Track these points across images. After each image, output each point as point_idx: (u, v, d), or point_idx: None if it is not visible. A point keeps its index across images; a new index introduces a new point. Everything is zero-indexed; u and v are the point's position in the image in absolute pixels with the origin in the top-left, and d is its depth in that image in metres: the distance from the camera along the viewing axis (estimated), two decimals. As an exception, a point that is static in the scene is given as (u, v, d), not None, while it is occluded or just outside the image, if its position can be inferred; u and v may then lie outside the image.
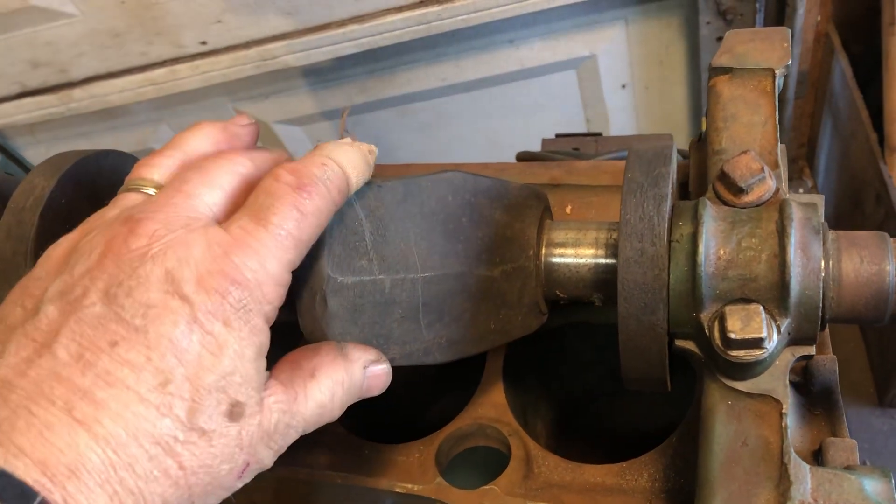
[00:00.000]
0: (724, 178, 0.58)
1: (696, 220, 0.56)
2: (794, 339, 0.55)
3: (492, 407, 0.77)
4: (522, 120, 2.06)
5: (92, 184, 0.65)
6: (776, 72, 0.66)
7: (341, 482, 0.75)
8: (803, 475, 0.52)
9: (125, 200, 0.53)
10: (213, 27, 1.80)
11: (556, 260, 0.65)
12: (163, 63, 1.87)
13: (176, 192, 0.50)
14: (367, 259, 0.57)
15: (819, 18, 1.85)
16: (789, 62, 0.66)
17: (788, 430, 0.53)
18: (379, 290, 0.58)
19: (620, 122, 2.08)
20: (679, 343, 0.58)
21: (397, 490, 0.73)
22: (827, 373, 0.70)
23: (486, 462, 0.79)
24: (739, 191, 0.57)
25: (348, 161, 0.54)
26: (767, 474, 0.52)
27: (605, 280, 0.64)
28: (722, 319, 0.53)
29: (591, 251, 0.64)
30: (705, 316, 0.55)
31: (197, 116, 2.02)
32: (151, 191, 0.54)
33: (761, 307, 0.53)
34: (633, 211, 0.57)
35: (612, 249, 0.63)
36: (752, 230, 0.55)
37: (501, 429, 0.75)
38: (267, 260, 0.48)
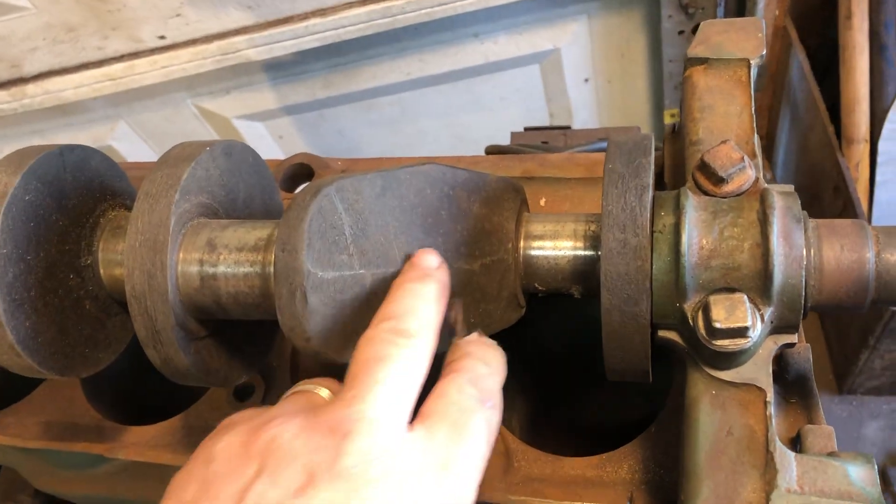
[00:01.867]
0: (705, 167, 0.58)
1: (678, 211, 0.56)
2: (777, 328, 0.55)
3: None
4: (487, 114, 2.06)
5: (57, 180, 0.63)
6: (751, 62, 0.66)
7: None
8: (789, 463, 0.52)
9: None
10: (171, 21, 1.76)
11: (534, 252, 0.65)
12: (120, 58, 1.83)
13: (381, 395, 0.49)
14: (347, 254, 0.56)
15: (777, 13, 1.87)
16: (764, 52, 0.66)
17: (773, 419, 0.53)
18: (359, 285, 0.57)
19: (583, 115, 2.08)
20: (662, 334, 0.57)
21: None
22: (801, 361, 0.70)
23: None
24: (720, 180, 0.57)
25: (502, 370, 0.57)
26: (753, 463, 0.52)
27: (584, 272, 0.64)
28: (706, 309, 0.53)
29: (570, 243, 0.64)
30: (689, 306, 0.55)
31: (156, 112, 1.98)
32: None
33: (745, 296, 0.53)
34: (615, 202, 0.56)
35: (591, 241, 0.63)
36: (734, 220, 0.55)
37: (481, 423, 0.74)
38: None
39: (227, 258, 0.57)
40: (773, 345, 0.55)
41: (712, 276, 0.54)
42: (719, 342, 0.53)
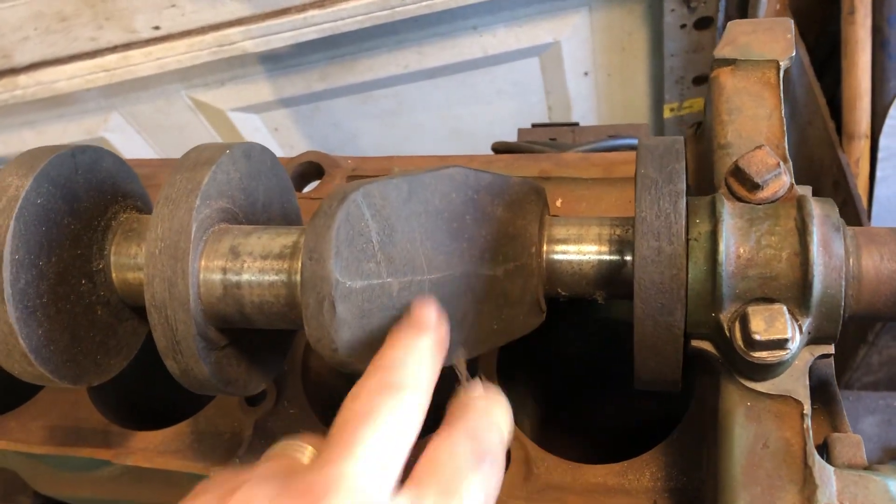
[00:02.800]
0: (739, 173, 0.56)
1: (714, 218, 0.54)
2: (814, 339, 0.54)
3: (488, 407, 0.75)
4: (484, 107, 2.04)
5: (69, 183, 0.61)
6: (781, 63, 0.65)
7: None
8: (828, 478, 0.51)
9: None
10: (167, 11, 1.73)
11: (558, 257, 0.64)
12: (114, 49, 1.79)
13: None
14: (374, 262, 0.54)
15: (778, 7, 1.86)
16: (794, 53, 0.65)
17: (810, 432, 0.52)
18: (387, 294, 0.55)
19: (582, 109, 2.06)
20: (695, 343, 0.56)
21: (394, 496, 0.71)
22: (823, 366, 0.69)
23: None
24: (755, 186, 0.56)
25: (507, 423, 0.53)
26: (790, 478, 0.51)
27: (608, 277, 0.63)
28: (744, 320, 0.52)
29: (595, 248, 0.63)
30: (725, 316, 0.53)
31: (150, 104, 1.95)
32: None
33: (784, 307, 0.52)
34: (648, 208, 0.55)
35: (617, 245, 0.62)
36: (772, 227, 0.54)
37: (499, 430, 0.73)
38: None
39: (252, 266, 0.56)
40: (809, 356, 0.54)
41: (749, 286, 0.53)
42: (758, 354, 0.52)
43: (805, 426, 0.52)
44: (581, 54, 1.92)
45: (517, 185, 0.66)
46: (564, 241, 0.64)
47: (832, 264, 0.52)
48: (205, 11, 1.73)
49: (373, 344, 0.54)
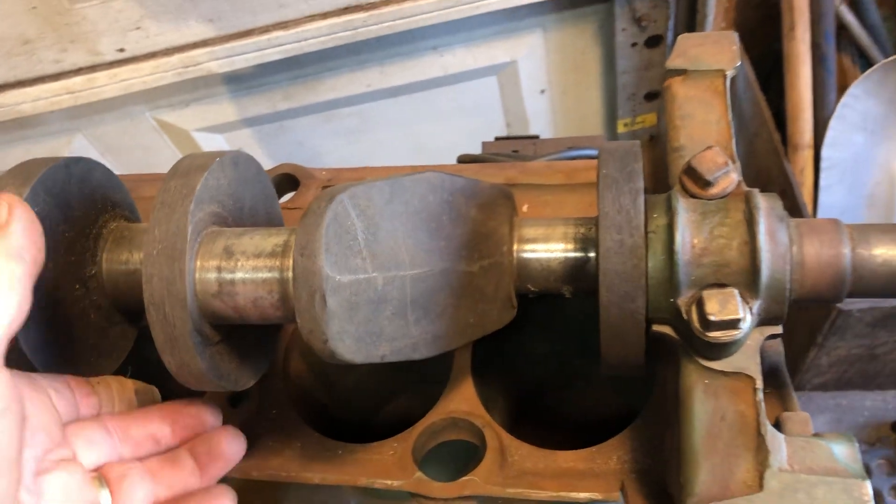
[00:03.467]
0: (691, 171, 0.62)
1: (670, 212, 0.59)
2: (764, 320, 0.59)
3: (463, 401, 0.79)
4: (445, 124, 2.09)
5: (63, 192, 0.64)
6: (727, 73, 0.71)
7: (319, 482, 0.76)
8: (779, 444, 0.56)
9: None
10: (131, 34, 1.76)
11: (527, 255, 0.68)
12: (78, 71, 1.81)
13: None
14: (360, 258, 0.58)
15: (724, 25, 1.95)
16: (739, 63, 0.71)
17: (762, 404, 0.57)
18: (372, 288, 0.59)
19: (540, 125, 2.13)
20: (656, 328, 0.61)
21: (377, 486, 0.74)
22: (773, 354, 0.75)
23: (452, 458, 0.81)
24: (706, 184, 0.61)
25: None
26: (746, 445, 0.56)
27: (574, 273, 0.67)
28: (700, 303, 0.57)
29: (561, 245, 0.67)
30: (682, 301, 0.58)
31: (114, 125, 1.97)
32: None
33: (736, 291, 0.57)
34: (610, 204, 0.60)
35: (581, 243, 0.67)
36: (722, 220, 0.59)
37: (475, 421, 0.77)
38: None
39: (245, 264, 0.59)
40: (759, 336, 0.60)
41: (704, 273, 0.58)
42: (713, 334, 0.56)
43: (758, 399, 0.57)
44: (537, 73, 1.99)
45: (488, 188, 0.71)
46: (533, 241, 0.69)
47: (778, 251, 0.57)
48: (169, 33, 1.76)
49: (358, 335, 0.59)
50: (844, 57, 1.96)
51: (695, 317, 0.57)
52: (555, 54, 1.95)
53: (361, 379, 0.98)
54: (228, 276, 0.59)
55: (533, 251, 0.68)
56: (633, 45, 1.85)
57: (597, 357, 1.02)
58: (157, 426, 0.63)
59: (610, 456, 0.75)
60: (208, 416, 0.67)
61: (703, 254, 0.58)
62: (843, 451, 0.56)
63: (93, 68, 1.80)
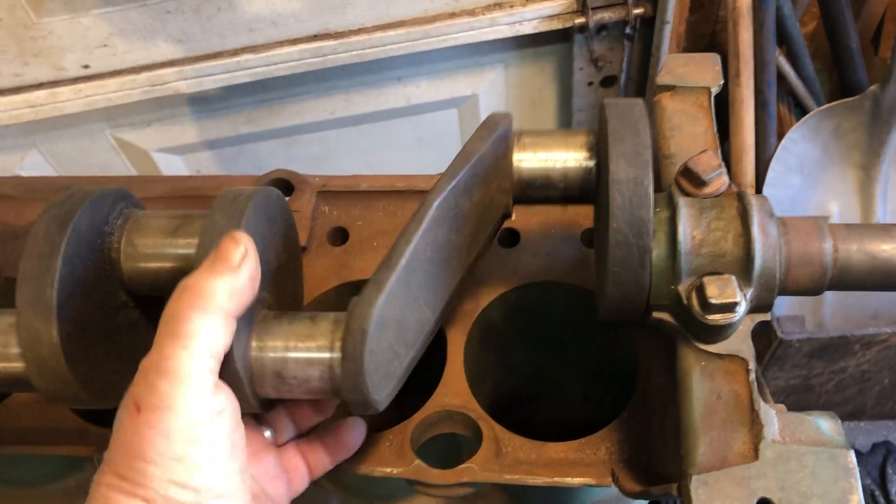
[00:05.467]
0: (688, 172, 0.67)
1: (671, 206, 0.65)
2: (755, 307, 0.64)
3: (456, 395, 0.82)
4: (404, 153, 2.14)
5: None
6: (711, 89, 0.77)
7: (319, 471, 0.77)
8: (772, 419, 0.61)
9: None
10: (98, 51, 1.76)
11: (526, 165, 0.72)
12: (39, 85, 1.80)
13: None
14: (395, 355, 0.66)
15: (672, 70, 2.06)
16: (722, 81, 0.77)
17: (755, 384, 0.62)
18: (399, 359, 0.66)
19: (495, 159, 2.19)
20: (656, 314, 0.66)
21: (376, 474, 0.77)
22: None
23: (438, 455, 0.84)
24: (701, 183, 0.67)
25: None
26: (741, 420, 0.61)
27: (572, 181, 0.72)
28: (700, 289, 0.62)
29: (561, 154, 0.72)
30: (683, 288, 0.63)
31: (72, 143, 1.95)
32: None
33: (733, 277, 0.62)
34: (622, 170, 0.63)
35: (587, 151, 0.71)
36: (718, 215, 0.64)
37: (470, 414, 0.80)
38: None
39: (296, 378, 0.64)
40: (750, 322, 0.65)
41: (702, 262, 0.63)
42: (712, 317, 0.61)
43: (751, 379, 0.63)
44: (496, 107, 2.06)
45: (484, 153, 0.71)
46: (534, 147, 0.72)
47: (769, 243, 0.63)
48: (137, 52, 1.77)
49: (388, 373, 0.65)
50: (781, 105, 2.09)
51: (695, 301, 0.62)
52: (514, 90, 2.02)
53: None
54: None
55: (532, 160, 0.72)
56: (590, 84, 1.94)
57: (571, 366, 1.07)
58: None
59: (598, 447, 0.79)
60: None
61: (701, 245, 0.63)
62: (828, 426, 0.61)
63: (55, 83, 1.79)
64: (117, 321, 0.69)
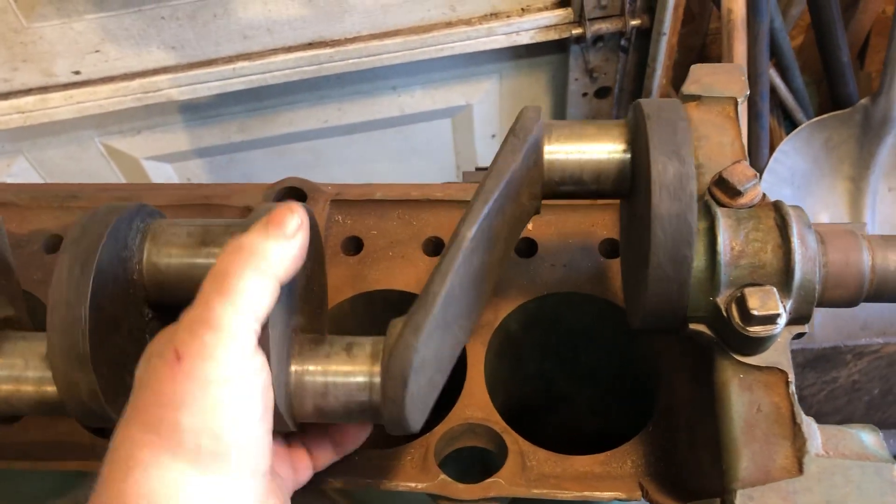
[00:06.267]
0: (723, 182, 0.66)
1: (710, 216, 0.64)
2: (793, 320, 0.64)
3: (478, 408, 0.81)
4: (396, 164, 2.13)
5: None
6: (738, 99, 0.77)
7: (341, 486, 0.76)
8: (814, 432, 0.60)
9: None
10: (89, 56, 1.73)
11: (557, 157, 0.69)
12: (28, 91, 1.76)
13: None
14: (430, 380, 0.65)
15: (664, 82, 2.07)
16: (748, 92, 0.77)
17: (795, 396, 0.62)
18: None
19: (488, 169, 2.19)
20: (692, 326, 0.65)
21: (400, 489, 0.75)
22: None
23: (457, 469, 0.82)
24: (737, 193, 0.66)
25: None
26: (783, 434, 0.60)
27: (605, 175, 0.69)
28: (741, 300, 0.61)
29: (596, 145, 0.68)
30: (721, 299, 0.63)
31: (60, 150, 1.92)
32: None
33: (774, 288, 0.61)
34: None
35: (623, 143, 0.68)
36: (756, 225, 0.64)
37: (493, 426, 0.79)
38: None
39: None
40: (788, 335, 0.64)
41: (741, 273, 0.63)
42: (753, 328, 0.61)
43: (791, 391, 0.62)
44: (490, 118, 2.06)
45: (520, 168, 0.67)
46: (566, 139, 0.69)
47: (808, 255, 0.62)
48: (129, 59, 1.75)
49: (424, 394, 0.64)
50: (772, 117, 2.10)
51: (735, 313, 0.61)
52: (508, 100, 2.02)
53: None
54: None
55: (565, 152, 0.69)
56: (584, 94, 1.94)
57: (582, 378, 1.06)
58: None
59: (624, 460, 0.77)
60: None
61: (740, 256, 0.63)
62: (871, 439, 0.61)
63: (45, 89, 1.76)
64: (144, 337, 0.68)
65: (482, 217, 0.64)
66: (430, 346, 0.62)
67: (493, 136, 2.12)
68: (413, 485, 0.75)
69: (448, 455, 0.82)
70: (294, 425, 0.64)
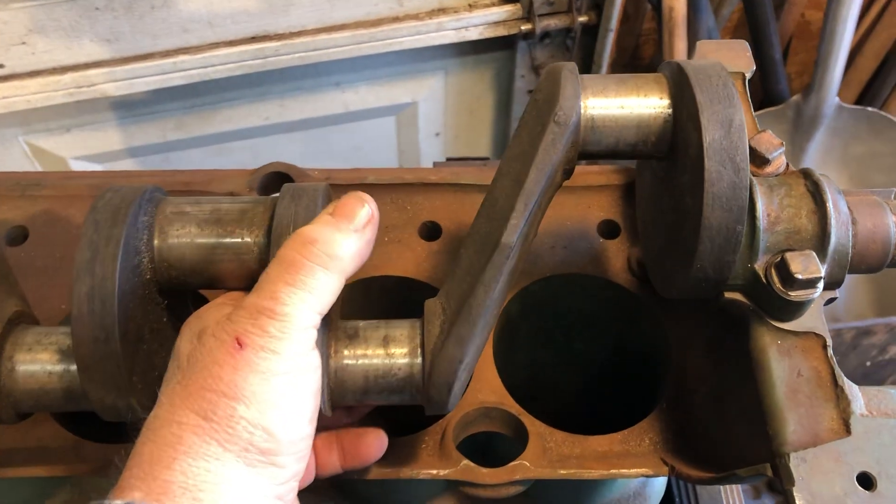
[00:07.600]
0: (751, 151, 0.67)
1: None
2: (826, 284, 0.64)
3: (491, 392, 0.79)
4: (339, 162, 2.09)
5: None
6: (745, 74, 0.78)
7: (357, 476, 0.72)
8: (856, 394, 0.61)
9: None
10: (15, 48, 1.63)
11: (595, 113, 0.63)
12: (-55, 85, 1.65)
13: None
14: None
15: (603, 80, 2.10)
16: (754, 67, 0.78)
17: (834, 359, 0.62)
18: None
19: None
20: (728, 295, 0.65)
21: (422, 477, 0.72)
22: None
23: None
24: (764, 161, 0.66)
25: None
26: (826, 397, 0.61)
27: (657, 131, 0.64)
28: (782, 264, 0.61)
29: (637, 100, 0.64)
30: (759, 265, 0.63)
31: (-20, 148, 1.79)
32: None
33: (813, 252, 0.62)
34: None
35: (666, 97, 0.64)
36: (788, 192, 0.64)
37: (509, 409, 0.77)
38: None
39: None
40: (821, 300, 0.65)
41: (778, 239, 0.63)
42: (795, 293, 0.61)
43: (829, 355, 0.62)
44: (434, 115, 2.04)
45: (560, 156, 0.63)
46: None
47: (841, 220, 0.63)
48: (59, 51, 1.65)
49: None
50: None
51: (775, 278, 0.61)
52: (452, 98, 2.01)
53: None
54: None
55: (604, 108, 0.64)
56: (530, 91, 1.95)
57: (572, 366, 1.05)
58: None
59: (642, 438, 0.77)
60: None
61: (776, 222, 0.63)
62: (910, 398, 0.61)
63: (-34, 83, 1.64)
64: (165, 329, 0.64)
65: (524, 222, 0.61)
66: (471, 351, 0.61)
67: (438, 134, 2.10)
68: (435, 472, 0.72)
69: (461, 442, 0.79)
70: (329, 410, 0.61)
